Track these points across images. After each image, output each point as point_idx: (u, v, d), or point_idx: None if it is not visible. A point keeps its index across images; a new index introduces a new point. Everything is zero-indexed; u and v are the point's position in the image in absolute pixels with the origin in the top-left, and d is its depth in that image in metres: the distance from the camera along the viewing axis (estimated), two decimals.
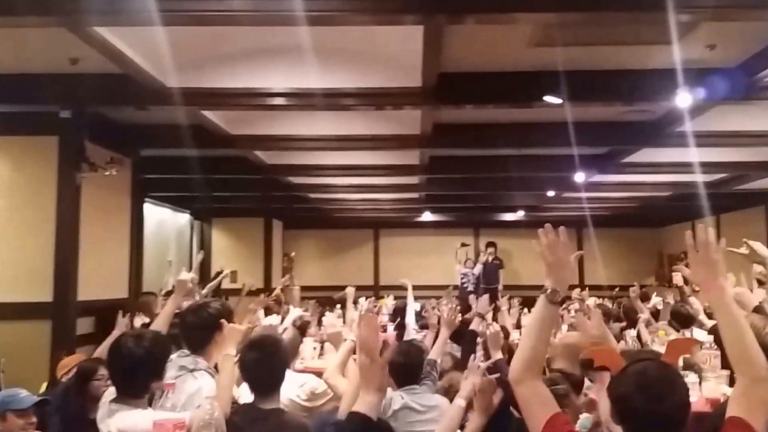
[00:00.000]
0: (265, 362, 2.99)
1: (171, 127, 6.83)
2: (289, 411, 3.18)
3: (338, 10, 4.13)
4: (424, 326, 6.74)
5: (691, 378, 4.17)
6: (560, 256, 2.09)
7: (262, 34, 4.87)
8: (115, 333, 4.59)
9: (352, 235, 17.14)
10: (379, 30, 4.75)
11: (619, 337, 5.87)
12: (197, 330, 3.26)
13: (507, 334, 5.82)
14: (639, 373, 1.97)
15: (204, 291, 5.47)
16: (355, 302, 7.91)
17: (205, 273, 11.74)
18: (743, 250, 3.48)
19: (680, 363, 4.08)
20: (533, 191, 12.00)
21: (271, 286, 12.53)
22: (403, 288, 8.03)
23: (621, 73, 5.66)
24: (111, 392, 2.85)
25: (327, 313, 8.11)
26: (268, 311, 7.33)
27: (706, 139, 7.19)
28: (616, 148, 8.45)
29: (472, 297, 8.42)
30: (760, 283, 3.97)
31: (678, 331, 5.99)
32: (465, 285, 14.54)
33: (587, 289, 10.73)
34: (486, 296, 6.09)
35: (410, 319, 7.16)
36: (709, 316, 5.94)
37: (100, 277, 6.87)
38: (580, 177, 9.32)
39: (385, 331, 8.22)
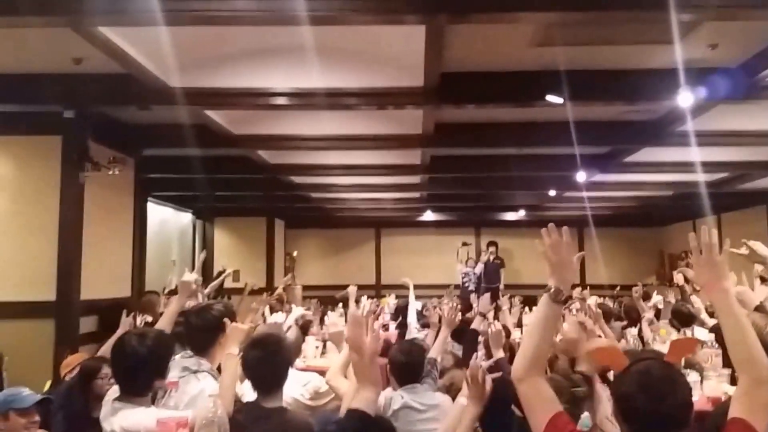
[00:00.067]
0: (267, 361, 2.99)
1: (174, 126, 6.85)
2: (293, 410, 3.18)
3: (340, 10, 4.14)
4: (425, 325, 6.76)
5: (692, 377, 4.19)
6: (563, 256, 2.09)
7: (264, 33, 4.88)
8: (119, 332, 4.60)
9: (353, 234, 17.16)
10: (381, 30, 4.75)
11: (620, 336, 5.88)
12: (201, 332, 3.27)
13: (508, 333, 5.83)
14: (641, 373, 1.97)
15: (206, 290, 5.48)
16: (357, 301, 7.93)
17: (207, 272, 11.77)
18: (743, 250, 3.49)
19: (682, 362, 4.09)
20: (534, 191, 12.00)
21: (273, 286, 12.54)
22: (405, 287, 8.03)
23: (622, 72, 5.67)
24: (114, 391, 2.86)
25: (329, 312, 8.14)
26: (273, 310, 7.35)
27: (707, 138, 7.20)
28: (617, 147, 8.45)
29: (473, 296, 8.44)
30: (763, 280, 3.98)
31: (679, 330, 6.00)
32: (466, 284, 14.55)
33: (588, 288, 10.74)
34: (487, 295, 6.11)
35: (412, 318, 7.16)
36: (711, 314, 5.96)
37: (103, 276, 6.88)
38: (581, 176, 9.32)
39: (387, 330, 8.25)
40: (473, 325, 5.43)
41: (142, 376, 2.81)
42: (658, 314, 7.05)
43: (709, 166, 8.60)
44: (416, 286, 7.76)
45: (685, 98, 5.40)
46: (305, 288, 13.87)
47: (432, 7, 4.11)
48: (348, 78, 5.67)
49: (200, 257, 6.19)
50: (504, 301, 7.33)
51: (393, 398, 3.68)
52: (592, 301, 6.91)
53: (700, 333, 5.69)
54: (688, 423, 1.91)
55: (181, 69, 5.23)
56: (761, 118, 6.89)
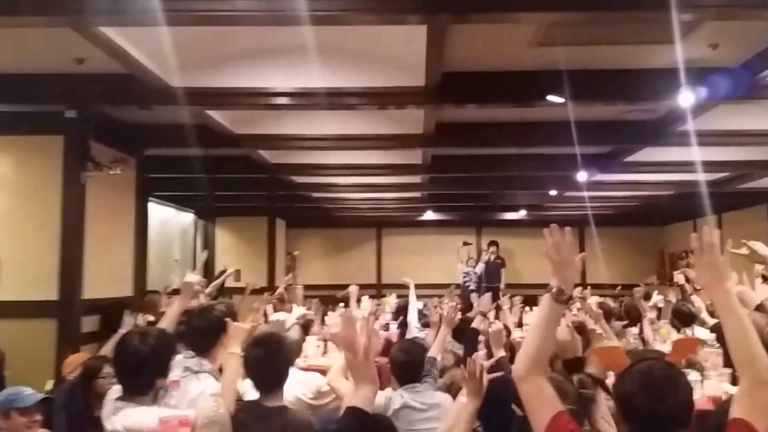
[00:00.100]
0: (269, 360, 3.01)
1: (175, 126, 6.86)
2: (296, 409, 3.19)
3: (342, 10, 4.14)
4: (426, 325, 6.77)
5: (693, 376, 4.19)
6: (566, 256, 2.09)
7: (266, 33, 4.89)
8: (122, 332, 4.61)
9: (354, 234, 17.18)
10: (383, 29, 4.76)
11: (621, 335, 5.89)
12: (203, 332, 3.29)
13: (508, 333, 5.84)
14: (643, 372, 1.98)
15: (208, 290, 5.48)
16: (358, 301, 7.94)
17: (209, 272, 11.77)
18: (744, 251, 3.50)
19: (682, 361, 4.10)
20: (535, 190, 12.01)
21: (274, 285, 12.55)
22: (406, 287, 8.05)
23: (623, 72, 5.67)
24: (116, 390, 2.87)
25: (330, 312, 8.15)
26: (275, 309, 7.37)
27: (708, 138, 7.20)
28: (618, 147, 8.46)
29: (474, 296, 8.45)
30: (765, 278, 3.99)
31: (679, 329, 6.01)
32: (467, 284, 14.56)
33: (589, 287, 10.74)
34: (488, 294, 6.13)
35: (413, 318, 7.18)
36: (711, 314, 5.97)
37: (105, 276, 6.89)
38: (582, 176, 9.32)
39: (387, 329, 8.26)
40: (474, 325, 5.44)
41: (144, 375, 2.83)
42: (658, 314, 7.06)
43: (709, 166, 8.60)
44: (417, 286, 7.76)
45: (686, 98, 5.40)
46: (306, 288, 13.88)
47: (433, 6, 4.11)
48: (349, 78, 5.68)
49: (202, 257, 6.20)
50: (504, 301, 7.34)
51: (393, 398, 3.69)
52: (593, 300, 6.90)
53: (701, 332, 5.71)
54: (689, 422, 1.92)
55: (183, 69, 5.24)
56: (762, 117, 6.89)
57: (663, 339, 5.76)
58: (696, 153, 7.61)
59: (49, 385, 4.86)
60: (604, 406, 2.91)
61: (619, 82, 5.73)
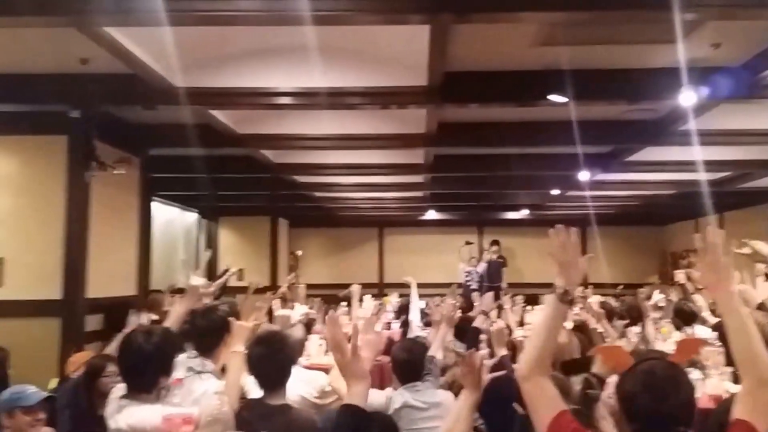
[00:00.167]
0: (271, 358, 3.02)
1: (179, 126, 6.86)
2: (299, 408, 3.20)
3: (344, 10, 4.14)
4: (428, 324, 6.78)
5: (694, 375, 4.20)
6: (571, 256, 2.10)
7: (269, 33, 4.90)
8: (126, 331, 4.62)
9: (357, 233, 17.19)
10: (385, 29, 4.77)
11: (623, 334, 5.90)
12: (207, 333, 3.30)
13: (510, 332, 5.86)
14: (645, 372, 1.99)
15: (211, 288, 5.49)
16: (360, 300, 7.95)
17: (212, 271, 11.79)
18: (746, 250, 3.51)
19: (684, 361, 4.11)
20: (537, 190, 12.02)
21: (277, 284, 12.57)
22: (408, 286, 8.06)
23: (625, 72, 5.67)
24: (120, 388, 2.88)
25: (331, 312, 8.17)
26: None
27: (709, 137, 7.19)
28: (619, 146, 8.45)
29: (475, 295, 8.46)
30: (767, 277, 4.00)
31: (680, 328, 6.02)
32: (469, 283, 14.56)
33: (591, 287, 10.74)
34: (490, 294, 6.15)
35: (414, 317, 7.19)
36: (713, 312, 5.98)
37: (109, 275, 6.90)
38: (583, 175, 9.33)
39: (389, 328, 8.28)
40: (476, 324, 5.47)
41: (148, 374, 2.83)
42: (662, 314, 7.08)
43: (711, 165, 8.59)
44: (419, 285, 7.76)
45: (688, 97, 5.40)
46: (309, 287, 13.91)
47: (436, 6, 4.12)
48: (351, 77, 5.68)
49: (205, 256, 6.22)
50: (506, 300, 7.35)
51: (393, 398, 3.70)
52: (595, 300, 6.91)
53: (702, 331, 5.72)
54: (691, 422, 1.93)
55: (186, 69, 5.25)
56: (763, 117, 6.89)
57: (664, 338, 5.77)
58: (697, 152, 7.61)
59: (53, 383, 4.89)
60: (603, 405, 2.92)
61: (621, 82, 5.74)
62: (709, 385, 4.42)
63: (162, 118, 6.94)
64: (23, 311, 6.16)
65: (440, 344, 4.38)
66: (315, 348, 6.33)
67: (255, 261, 14.24)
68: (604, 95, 5.97)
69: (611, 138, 7.83)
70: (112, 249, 7.00)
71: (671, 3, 3.79)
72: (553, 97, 5.65)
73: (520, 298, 8.75)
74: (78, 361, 4.55)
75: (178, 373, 3.06)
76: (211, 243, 14.45)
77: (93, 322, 6.57)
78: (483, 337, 5.09)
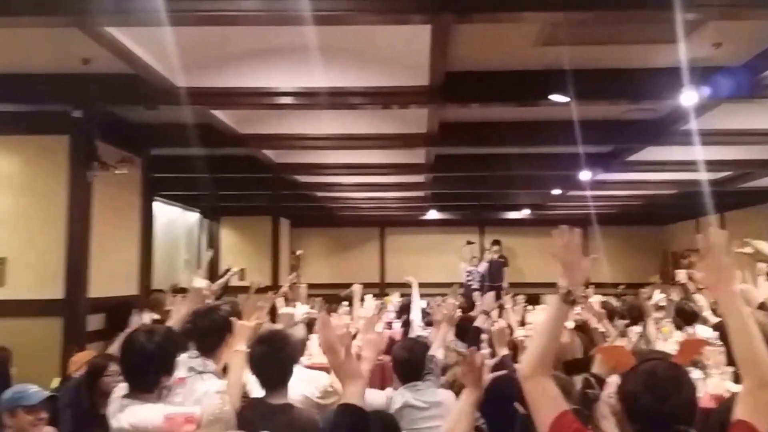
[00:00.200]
0: (273, 357, 3.02)
1: (181, 126, 6.87)
2: (301, 407, 3.21)
3: (346, 10, 4.15)
4: (429, 323, 6.79)
5: (695, 374, 4.20)
6: (574, 257, 2.11)
7: (270, 33, 4.91)
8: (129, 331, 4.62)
9: (358, 233, 17.19)
10: (387, 29, 4.77)
11: (623, 333, 5.90)
12: (209, 333, 3.30)
13: (511, 331, 5.86)
14: (647, 373, 1.99)
15: (213, 288, 5.51)
16: (362, 300, 7.96)
17: (213, 271, 11.81)
18: (748, 249, 3.52)
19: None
20: (538, 190, 12.01)
21: (278, 284, 12.58)
22: (409, 285, 8.06)
23: (626, 71, 5.67)
24: (122, 388, 2.88)
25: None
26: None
27: (710, 137, 7.19)
28: (620, 146, 8.45)
29: (476, 294, 8.46)
30: None
31: (681, 328, 6.03)
32: (470, 283, 14.56)
33: (592, 286, 10.75)
34: (491, 293, 6.15)
35: (415, 316, 7.19)
36: (714, 312, 5.98)
37: (111, 275, 6.91)
38: (585, 175, 9.33)
39: (391, 328, 8.29)
40: (477, 323, 5.47)
41: (150, 373, 2.84)
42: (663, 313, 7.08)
43: (712, 165, 8.60)
44: (420, 285, 7.77)
45: (689, 97, 5.40)
46: (310, 286, 13.94)
47: (437, 6, 4.12)
48: (353, 77, 5.69)
49: (207, 256, 6.22)
50: (507, 300, 7.35)
51: (394, 398, 3.70)
52: (596, 299, 6.92)
53: (703, 331, 5.72)
54: (693, 422, 1.93)
55: (188, 69, 5.26)
56: (764, 116, 6.89)
57: (665, 337, 5.78)
58: (698, 152, 7.61)
59: (55, 383, 4.90)
60: (605, 405, 2.92)
61: (622, 82, 5.74)
62: (710, 384, 4.43)
63: (164, 118, 6.95)
64: (25, 311, 6.17)
65: (441, 343, 4.38)
66: (316, 347, 6.33)
67: (256, 261, 14.25)
68: (605, 95, 5.97)
69: (612, 138, 7.83)
70: (113, 249, 7.01)
71: (672, 3, 3.79)
72: (555, 97, 5.65)
73: (521, 298, 8.74)
74: (80, 361, 4.56)
75: (179, 372, 3.06)
76: (213, 243, 14.47)
77: (95, 322, 6.58)
78: (484, 336, 5.10)
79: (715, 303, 5.49)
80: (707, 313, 6.19)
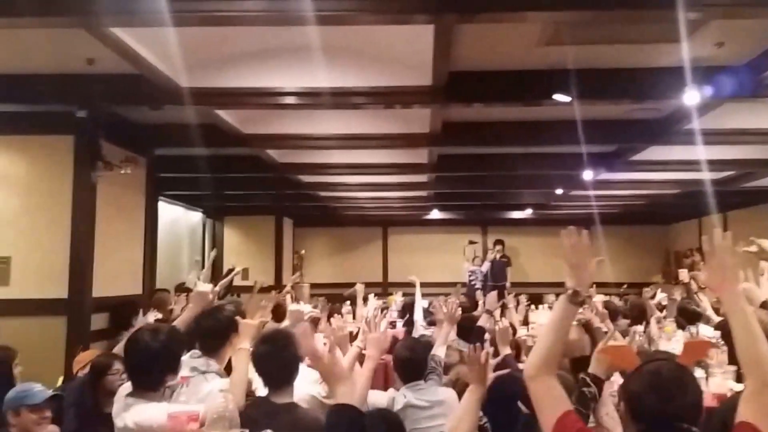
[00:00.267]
0: (276, 356, 3.02)
1: (185, 126, 6.87)
2: (310, 407, 3.21)
3: (349, 10, 4.16)
4: (432, 323, 6.80)
5: (698, 374, 4.20)
6: (582, 258, 2.11)
7: (273, 33, 4.92)
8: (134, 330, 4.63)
9: (361, 232, 17.21)
10: (390, 29, 4.77)
11: (626, 333, 5.91)
12: (213, 333, 3.31)
13: (514, 331, 5.87)
14: (652, 373, 1.99)
15: (216, 288, 5.51)
16: (365, 299, 7.98)
17: (217, 270, 11.83)
18: (753, 248, 3.52)
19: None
20: (541, 189, 12.01)
21: (281, 283, 12.60)
22: (412, 285, 8.08)
23: (629, 71, 5.67)
24: (126, 387, 2.90)
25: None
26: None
27: (713, 136, 7.19)
28: (623, 145, 8.45)
29: (479, 294, 8.47)
30: None
31: (684, 327, 6.03)
32: (473, 282, 14.58)
33: (594, 286, 10.73)
34: (494, 293, 6.14)
35: (418, 316, 7.20)
36: (717, 311, 5.98)
37: (115, 274, 6.93)
38: (587, 175, 9.33)
39: (393, 327, 8.29)
40: (480, 323, 5.47)
41: (154, 372, 2.85)
42: (661, 311, 7.08)
43: (715, 165, 8.60)
44: (423, 285, 7.80)
45: (692, 96, 5.40)
46: (313, 286, 13.98)
47: (440, 6, 4.13)
48: (356, 77, 5.70)
49: (211, 256, 6.23)
50: (510, 299, 7.36)
51: (396, 398, 3.68)
52: (599, 299, 6.92)
53: (706, 330, 5.73)
54: (697, 423, 1.93)
55: (192, 69, 5.28)
56: (767, 116, 6.89)
57: (668, 337, 5.78)
58: (701, 152, 7.61)
59: (59, 382, 4.91)
60: (610, 403, 2.93)
61: (625, 81, 5.74)
62: (713, 383, 4.42)
63: (168, 118, 6.96)
64: (30, 310, 6.18)
65: (443, 342, 4.38)
66: (319, 347, 6.34)
67: (259, 260, 14.27)
68: (608, 94, 5.97)
69: (615, 137, 7.83)
70: (118, 248, 7.03)
71: (675, 2, 3.80)
72: (558, 97, 5.66)
73: (524, 298, 8.75)
74: (84, 360, 4.56)
75: (182, 372, 3.07)
76: (216, 242, 14.49)
77: (99, 321, 6.59)
78: (487, 336, 5.10)
79: (718, 302, 5.50)
80: (710, 312, 6.20)
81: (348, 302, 8.76)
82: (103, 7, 4.05)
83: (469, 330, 5.34)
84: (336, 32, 4.72)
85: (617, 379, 3.65)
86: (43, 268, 6.30)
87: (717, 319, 5.81)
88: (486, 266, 14.89)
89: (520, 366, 3.99)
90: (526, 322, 8.13)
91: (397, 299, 10.36)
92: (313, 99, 5.87)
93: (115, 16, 4.18)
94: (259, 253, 14.58)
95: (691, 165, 8.67)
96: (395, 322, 8.31)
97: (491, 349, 4.41)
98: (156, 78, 5.25)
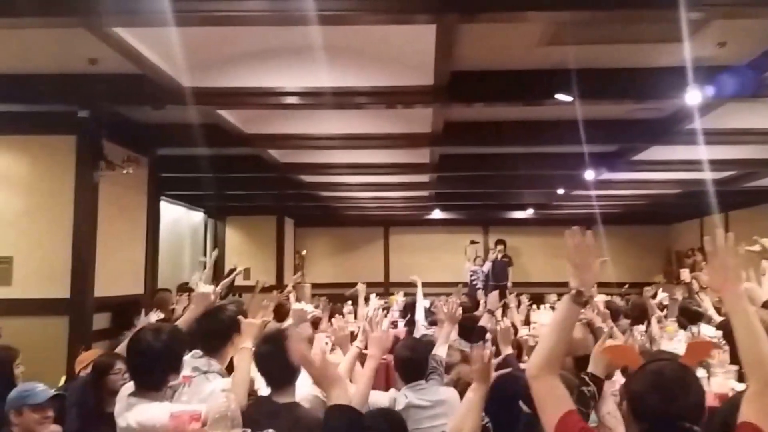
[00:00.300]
0: (278, 356, 3.01)
1: (187, 126, 6.88)
2: (312, 406, 3.21)
3: (351, 10, 4.17)
4: (433, 323, 6.81)
5: (699, 373, 4.20)
6: (586, 259, 2.11)
7: (275, 33, 4.93)
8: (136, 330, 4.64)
9: (362, 232, 17.21)
10: (392, 29, 4.79)
11: (628, 333, 5.91)
12: (214, 334, 3.31)
13: (515, 331, 5.87)
14: (655, 373, 2.00)
15: (218, 288, 5.52)
16: (366, 299, 7.98)
17: (219, 270, 11.83)
18: (756, 247, 3.52)
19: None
20: (543, 189, 12.01)
21: (283, 283, 12.60)
22: (413, 285, 8.08)
23: (631, 71, 5.68)
24: (129, 387, 2.90)
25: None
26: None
27: (715, 136, 7.19)
28: (625, 145, 8.45)
29: (480, 293, 8.47)
30: None
31: (686, 327, 6.03)
32: (474, 282, 14.58)
33: (596, 286, 10.72)
34: (495, 292, 6.15)
35: (420, 316, 7.21)
36: (718, 311, 5.98)
37: (117, 274, 6.94)
38: (589, 175, 9.33)
39: (395, 327, 8.30)
40: (481, 323, 5.48)
41: (157, 371, 2.85)
42: (665, 312, 7.08)
43: (716, 164, 8.59)
44: (424, 284, 7.79)
45: (693, 96, 5.40)
46: (314, 286, 13.99)
47: (442, 6, 4.14)
48: (358, 77, 5.70)
49: (212, 255, 6.23)
50: (510, 299, 7.36)
51: (397, 399, 3.68)
52: (600, 299, 6.92)
53: (707, 330, 5.72)
54: (699, 423, 1.93)
55: (194, 69, 5.29)
56: None
57: (670, 336, 5.78)
58: (703, 151, 7.61)
59: (62, 381, 4.92)
60: (612, 402, 2.93)
61: (627, 81, 5.74)
62: (714, 383, 4.43)
63: (170, 117, 6.96)
64: (32, 310, 6.19)
65: (444, 342, 4.39)
66: (321, 346, 6.34)
67: (261, 260, 14.26)
68: (610, 94, 5.97)
69: (617, 137, 7.84)
70: (119, 248, 7.04)
71: (677, 2, 3.81)
72: (559, 97, 5.66)
73: (526, 298, 8.75)
74: (86, 360, 4.58)
75: (183, 372, 3.07)
76: (218, 242, 14.50)
77: (101, 321, 6.60)
78: (488, 336, 5.10)
79: (719, 302, 5.50)
80: (711, 312, 6.19)
81: (350, 302, 8.77)
82: (106, 7, 4.06)
83: (470, 330, 5.34)
84: (338, 32, 4.72)
85: (618, 379, 3.66)
86: (45, 267, 6.31)
87: (718, 318, 5.80)
88: (487, 266, 14.90)
89: (522, 366, 3.99)
90: (527, 322, 8.12)
91: (398, 299, 10.36)
92: (314, 99, 5.88)
93: (118, 16, 4.19)
94: (261, 253, 14.58)
95: (692, 165, 8.67)
96: (397, 322, 8.32)
97: (493, 349, 4.43)
98: (158, 78, 5.25)
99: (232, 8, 4.09)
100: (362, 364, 3.36)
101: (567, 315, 2.10)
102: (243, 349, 3.13)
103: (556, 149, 8.88)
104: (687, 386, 1.96)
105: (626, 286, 11.32)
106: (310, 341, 5.07)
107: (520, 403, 3.43)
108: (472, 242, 16.17)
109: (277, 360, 2.99)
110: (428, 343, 4.27)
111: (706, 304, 6.39)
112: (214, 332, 3.32)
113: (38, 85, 5.77)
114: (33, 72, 5.70)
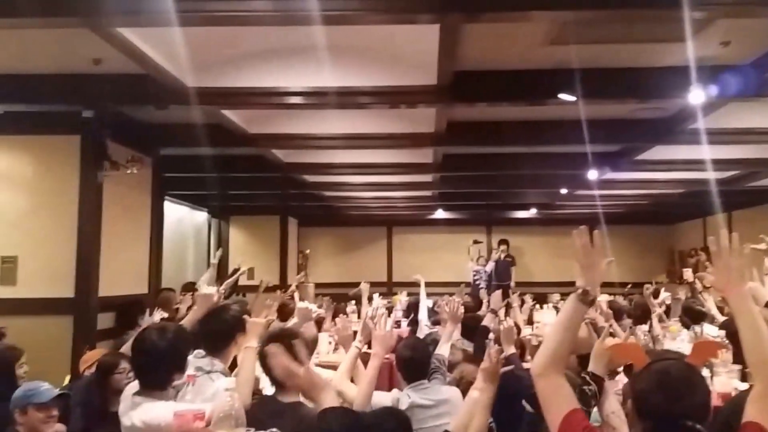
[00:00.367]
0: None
1: (191, 126, 6.90)
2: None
3: (354, 10, 4.17)
4: (436, 322, 6.81)
5: (702, 373, 4.21)
6: (593, 258, 2.12)
7: (279, 33, 4.94)
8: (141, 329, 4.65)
9: (365, 232, 17.22)
10: (395, 29, 4.79)
11: (631, 332, 5.91)
12: (218, 334, 3.31)
13: (518, 330, 5.87)
14: (660, 372, 1.99)
15: (221, 288, 5.53)
16: (370, 298, 7.98)
17: (222, 270, 11.85)
18: (762, 246, 3.52)
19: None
20: (546, 189, 12.01)
21: (286, 283, 12.61)
22: (417, 284, 8.08)
23: (634, 70, 5.67)
24: (133, 386, 2.90)
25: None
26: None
27: (718, 136, 7.19)
28: (628, 145, 8.45)
29: (483, 293, 8.46)
30: None
31: (689, 327, 6.03)
32: (477, 282, 14.57)
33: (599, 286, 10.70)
34: (498, 292, 6.15)
35: (423, 315, 7.20)
36: (721, 310, 5.98)
37: (121, 273, 6.95)
38: (592, 174, 9.33)
39: (398, 326, 8.30)
40: (484, 322, 5.47)
41: (161, 371, 2.84)
42: (667, 311, 7.08)
43: (720, 164, 8.59)
44: (427, 284, 7.78)
45: (697, 96, 5.40)
46: (318, 285, 13.99)
47: (446, 6, 4.14)
48: (361, 77, 5.71)
49: (216, 255, 6.24)
50: (513, 299, 7.35)
51: (400, 399, 3.68)
52: (603, 298, 6.91)
53: (710, 330, 5.72)
54: (704, 423, 1.92)
55: (198, 69, 5.30)
56: None
57: (673, 336, 5.78)
58: (706, 151, 7.60)
59: (66, 380, 4.93)
60: (615, 401, 2.93)
61: (630, 81, 5.74)
62: (718, 382, 4.42)
63: (174, 118, 6.97)
64: (36, 309, 6.21)
65: (447, 341, 4.40)
66: (324, 346, 6.36)
67: (265, 260, 14.26)
68: (613, 94, 5.97)
69: (620, 137, 7.83)
70: (124, 248, 7.05)
71: (680, 1, 3.80)
72: (562, 96, 5.66)
73: (529, 297, 8.75)
74: (91, 359, 4.59)
75: (187, 371, 3.08)
76: (221, 242, 14.51)
77: (105, 320, 6.61)
78: (491, 335, 5.10)
79: (722, 302, 5.50)
80: (714, 312, 6.19)
81: (353, 302, 8.77)
82: (110, 8, 4.07)
83: (473, 329, 5.34)
84: (341, 32, 4.73)
85: (622, 378, 3.66)
86: (49, 267, 6.33)
87: (721, 318, 5.80)
88: (490, 266, 14.90)
89: (525, 365, 4.00)
90: (530, 322, 8.13)
91: (401, 299, 10.36)
92: (318, 99, 5.88)
93: (122, 16, 4.19)
94: (265, 253, 14.58)
95: (695, 164, 8.66)
96: (400, 321, 8.32)
97: (496, 348, 4.43)
98: (162, 78, 5.27)
99: (235, 8, 4.10)
100: (363, 362, 3.36)
101: (573, 314, 2.10)
102: (248, 348, 3.14)
103: (559, 149, 8.87)
104: (693, 386, 1.95)
105: (629, 285, 11.30)
106: (315, 340, 5.09)
107: (523, 402, 3.44)
108: (475, 242, 16.15)
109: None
110: (430, 343, 4.27)
111: (709, 303, 6.38)
112: (218, 332, 3.32)
113: (42, 86, 5.78)
114: (37, 72, 5.70)
